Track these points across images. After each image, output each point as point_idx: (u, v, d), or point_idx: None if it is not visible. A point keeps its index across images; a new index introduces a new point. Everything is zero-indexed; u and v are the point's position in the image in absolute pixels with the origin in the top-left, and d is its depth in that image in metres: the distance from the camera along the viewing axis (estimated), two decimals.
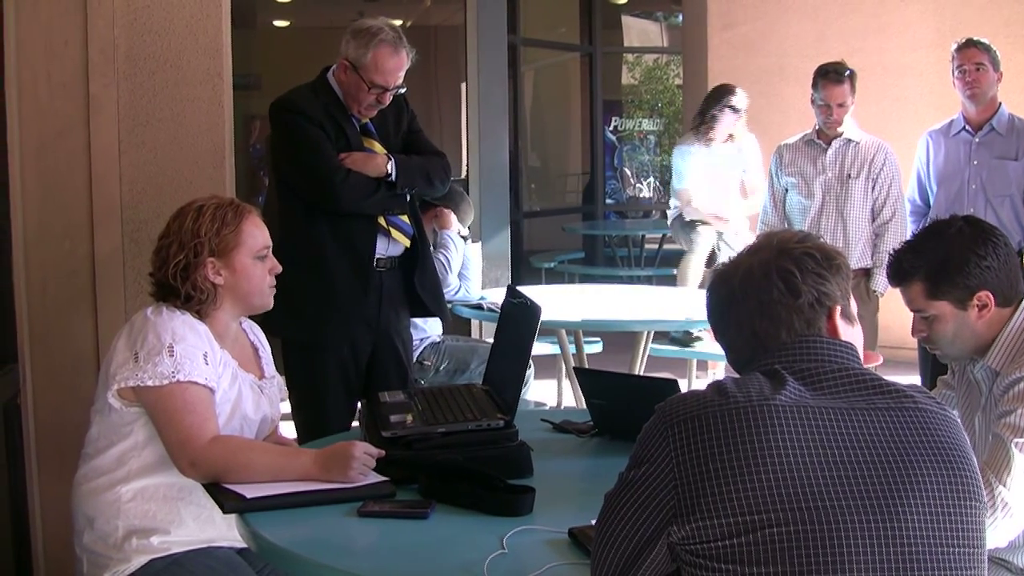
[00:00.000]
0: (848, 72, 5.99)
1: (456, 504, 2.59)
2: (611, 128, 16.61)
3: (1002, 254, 2.88)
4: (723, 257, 7.00)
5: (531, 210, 14.44)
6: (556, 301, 5.87)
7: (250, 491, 2.65)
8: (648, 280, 11.42)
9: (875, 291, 5.98)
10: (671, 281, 10.67)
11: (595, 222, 14.89)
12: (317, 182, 4.13)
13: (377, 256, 4.26)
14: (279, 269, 3.10)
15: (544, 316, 3.03)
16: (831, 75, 6.01)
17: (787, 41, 9.16)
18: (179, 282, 2.94)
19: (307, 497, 2.65)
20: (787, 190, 6.23)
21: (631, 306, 6.22)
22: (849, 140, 6.07)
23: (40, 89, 4.09)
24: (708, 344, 6.96)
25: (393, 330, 4.38)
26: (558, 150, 16.54)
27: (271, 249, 3.09)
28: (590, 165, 15.25)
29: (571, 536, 2.36)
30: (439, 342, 5.86)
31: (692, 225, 7.56)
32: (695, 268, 7.55)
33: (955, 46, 5.77)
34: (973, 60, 5.67)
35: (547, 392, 7.24)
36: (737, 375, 2.01)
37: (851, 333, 2.05)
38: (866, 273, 6.00)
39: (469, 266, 6.03)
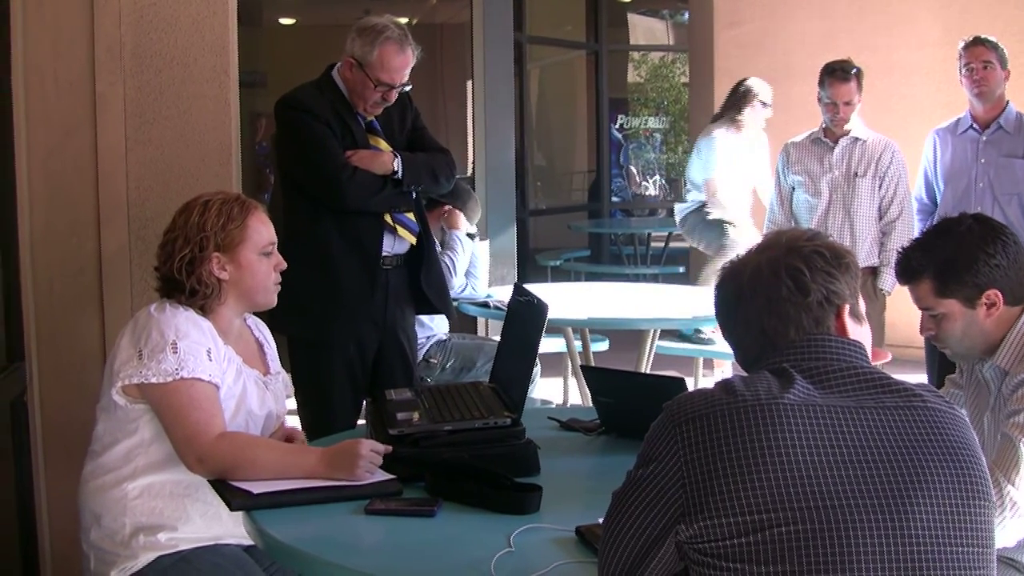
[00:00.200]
0: (855, 70, 5.98)
1: (463, 502, 2.58)
2: (617, 126, 16.61)
3: (1011, 252, 2.88)
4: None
5: (537, 208, 14.43)
6: (562, 299, 5.86)
7: (257, 488, 2.65)
8: (654, 278, 11.41)
9: (882, 290, 5.97)
10: (677, 279, 10.70)
11: (601, 220, 14.89)
12: (323, 180, 4.13)
13: (383, 254, 4.26)
14: (284, 266, 3.10)
15: (550, 314, 3.03)
16: (838, 73, 6.00)
17: (793, 39, 9.15)
18: (184, 276, 2.94)
19: (314, 495, 2.64)
20: (794, 188, 6.23)
21: (637, 304, 6.21)
22: (856, 138, 6.05)
23: (47, 87, 4.09)
24: (716, 342, 6.95)
25: (399, 328, 4.38)
26: (564, 148, 16.53)
27: (276, 246, 3.09)
28: (596, 163, 15.24)
29: (578, 534, 2.36)
30: (445, 340, 5.85)
31: (720, 226, 7.45)
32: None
33: (962, 44, 5.76)
34: (981, 58, 5.66)
35: (553, 390, 7.23)
36: (745, 373, 2.01)
37: (859, 332, 2.05)
38: (873, 272, 5.99)
39: (477, 264, 6.02)
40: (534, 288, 3.48)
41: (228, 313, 3.03)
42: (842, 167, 6.05)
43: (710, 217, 7.51)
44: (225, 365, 2.94)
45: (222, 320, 3.00)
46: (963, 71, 5.72)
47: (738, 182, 7.45)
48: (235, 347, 3.03)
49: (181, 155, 4.23)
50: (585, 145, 15.69)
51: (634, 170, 17.26)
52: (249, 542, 2.76)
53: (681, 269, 11.45)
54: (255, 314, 3.23)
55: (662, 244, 12.96)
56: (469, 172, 9.40)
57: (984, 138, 5.71)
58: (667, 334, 6.88)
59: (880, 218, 6.03)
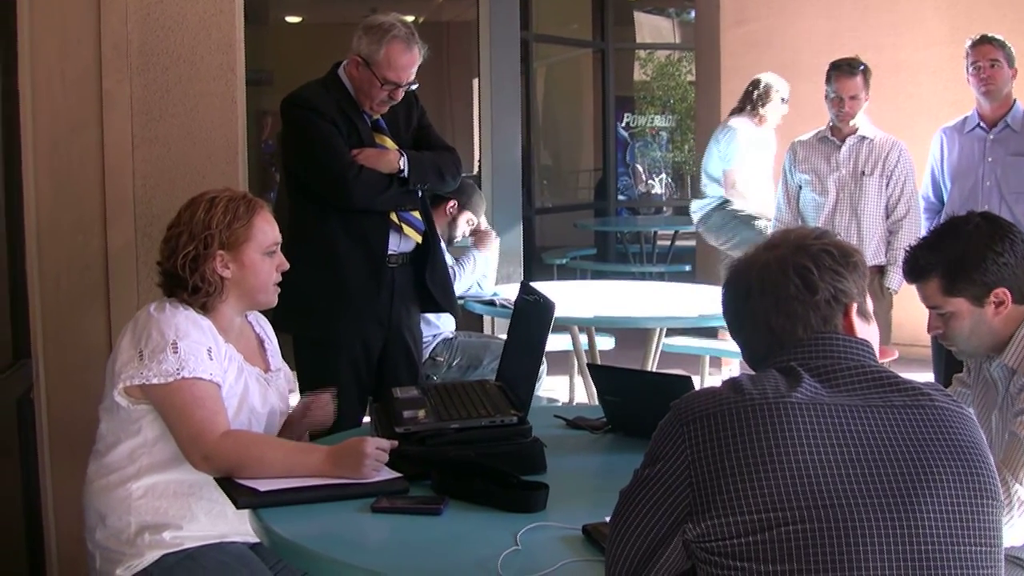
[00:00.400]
0: (862, 67, 5.98)
1: (469, 500, 2.58)
2: (623, 124, 16.60)
3: (1019, 251, 2.87)
4: None
5: (543, 206, 14.43)
6: (568, 297, 5.86)
7: (263, 486, 2.65)
8: (660, 276, 11.40)
9: (889, 288, 5.96)
10: (684, 277, 10.67)
11: (607, 218, 14.89)
12: (329, 178, 4.13)
13: (389, 252, 4.26)
14: (286, 266, 3.10)
15: (556, 312, 3.02)
16: (843, 68, 6.00)
17: (800, 38, 9.14)
18: (187, 273, 2.93)
19: (320, 493, 2.65)
20: (800, 187, 6.22)
21: (643, 302, 6.21)
22: (863, 137, 6.05)
23: (53, 85, 4.09)
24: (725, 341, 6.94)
25: (404, 326, 4.38)
26: (570, 146, 16.52)
27: (280, 246, 3.09)
28: (602, 161, 15.23)
29: (585, 533, 2.36)
30: (452, 338, 5.85)
31: (749, 221, 7.25)
32: None
33: (969, 42, 5.74)
34: (988, 56, 5.65)
35: (559, 388, 7.23)
36: (752, 372, 2.01)
37: (867, 330, 2.05)
38: (880, 270, 5.97)
39: (486, 262, 6.02)
40: (540, 286, 3.48)
41: (229, 311, 3.03)
42: (849, 166, 6.04)
43: (742, 213, 7.30)
44: (226, 364, 2.94)
45: (223, 318, 3.00)
46: (970, 70, 5.71)
47: (759, 175, 7.36)
48: (236, 345, 3.02)
49: (187, 153, 4.23)
50: (591, 143, 15.68)
51: (640, 168, 17.26)
52: (255, 540, 2.75)
53: (687, 267, 11.44)
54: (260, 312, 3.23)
55: (668, 242, 12.95)
56: (475, 170, 9.41)
57: (991, 136, 5.70)
58: (673, 332, 6.86)
59: (887, 217, 6.01)
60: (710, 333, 7.17)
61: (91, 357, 4.11)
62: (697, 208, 7.59)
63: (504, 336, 3.71)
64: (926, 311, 2.97)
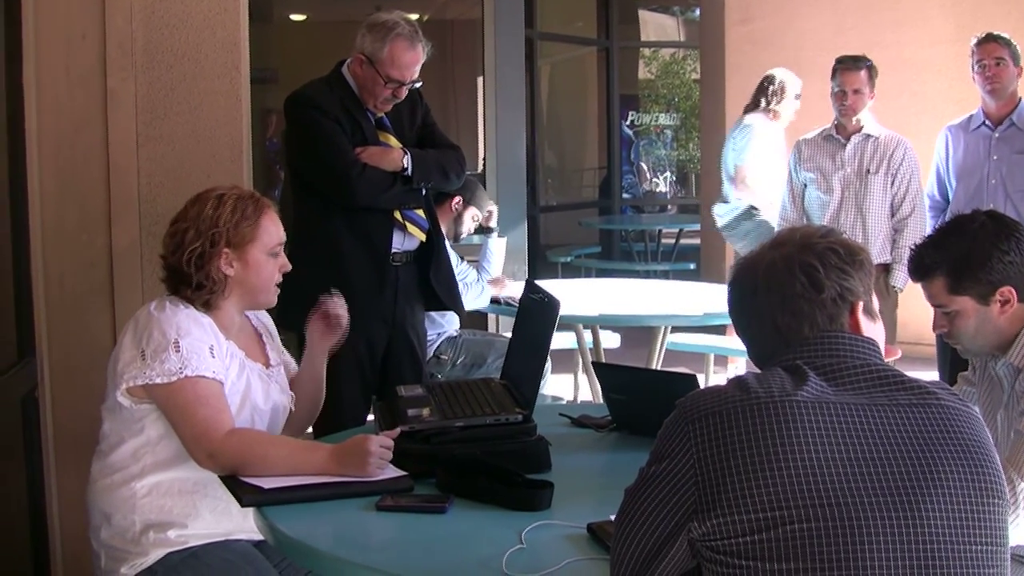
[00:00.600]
0: (867, 63, 5.98)
1: (474, 499, 2.58)
2: (628, 123, 16.61)
3: None
4: None
5: (548, 205, 14.45)
6: (573, 295, 5.85)
7: (267, 484, 2.65)
8: (665, 274, 11.41)
9: (894, 287, 5.96)
10: (688, 275, 10.68)
11: (612, 217, 14.91)
12: (333, 177, 4.14)
13: (393, 251, 4.26)
14: (288, 268, 3.10)
15: (561, 310, 3.02)
16: (847, 61, 6.01)
17: (805, 36, 9.13)
18: (193, 269, 2.93)
19: (325, 491, 2.65)
20: (806, 185, 6.21)
21: (648, 300, 6.20)
22: (868, 135, 6.04)
23: (58, 83, 4.10)
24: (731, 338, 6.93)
25: (408, 324, 4.38)
26: (575, 144, 16.54)
27: (283, 247, 3.09)
28: (607, 160, 15.25)
29: (590, 531, 2.36)
30: (456, 336, 5.85)
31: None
32: None
33: (975, 41, 5.74)
34: (993, 55, 5.65)
35: (564, 386, 7.23)
36: (758, 370, 2.00)
37: (873, 329, 2.04)
38: (885, 269, 5.97)
39: (491, 259, 6.02)
40: (545, 285, 3.48)
41: (230, 310, 3.02)
42: (854, 164, 6.03)
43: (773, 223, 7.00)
44: (228, 361, 2.94)
45: (224, 316, 3.00)
46: (975, 68, 5.71)
47: (772, 173, 7.26)
48: (236, 341, 3.02)
49: (192, 151, 4.23)
50: (596, 141, 15.70)
51: (645, 167, 17.27)
52: (259, 537, 2.75)
53: (692, 265, 11.45)
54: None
55: (672, 240, 12.96)
56: (480, 169, 9.41)
57: (996, 135, 5.69)
58: (677, 330, 6.86)
59: (892, 215, 6.01)
60: (715, 331, 7.13)
61: (96, 355, 4.10)
62: (723, 212, 7.43)
63: (509, 334, 3.70)
64: (931, 309, 2.97)
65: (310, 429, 3.60)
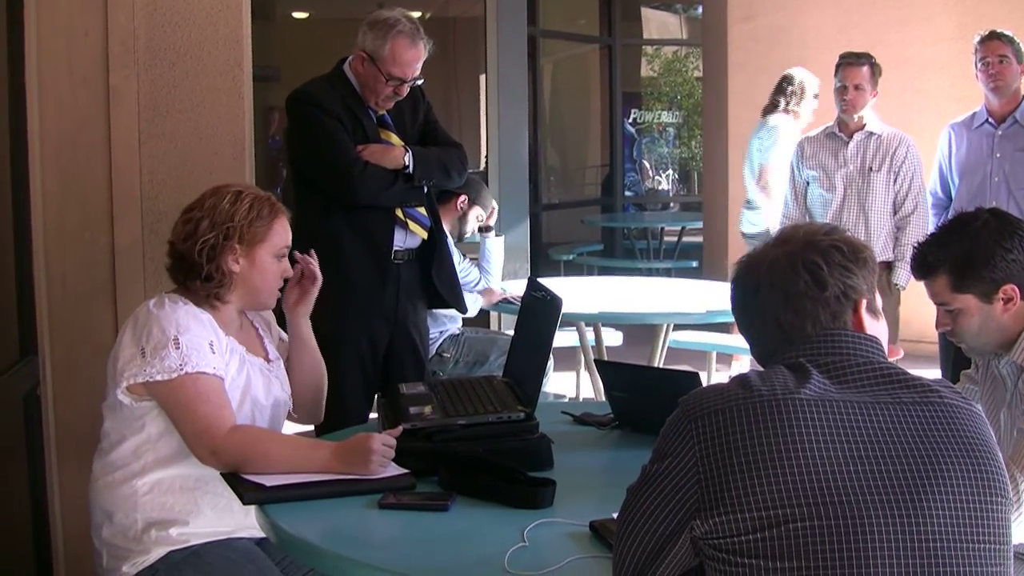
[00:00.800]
0: (870, 60, 5.97)
1: (476, 497, 2.58)
2: (630, 120, 16.61)
3: None
4: None
5: (550, 202, 14.44)
6: (575, 293, 5.85)
7: (269, 482, 2.65)
8: (667, 272, 11.41)
9: (896, 284, 5.95)
10: (690, 273, 10.68)
11: (614, 214, 14.91)
12: (335, 175, 4.14)
13: (395, 248, 4.26)
14: (291, 273, 3.11)
15: (563, 308, 3.02)
16: (850, 57, 6.01)
17: (808, 34, 9.12)
18: (203, 259, 2.93)
19: (327, 489, 2.64)
20: (808, 183, 6.20)
21: (650, 298, 6.20)
22: (871, 133, 6.03)
23: (60, 80, 4.09)
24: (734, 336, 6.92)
25: (410, 322, 4.38)
26: (577, 142, 16.54)
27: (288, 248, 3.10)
28: (609, 157, 15.25)
29: (592, 529, 2.35)
30: (458, 334, 5.85)
31: None
32: None
33: (978, 38, 5.74)
34: (996, 52, 5.64)
35: (566, 384, 7.23)
36: (761, 368, 2.00)
37: (876, 327, 2.04)
38: (887, 266, 5.96)
39: (490, 259, 6.02)
40: (547, 282, 3.48)
41: (230, 308, 3.02)
42: (856, 162, 6.02)
43: None
44: (227, 357, 2.93)
45: (224, 314, 2.99)
46: (978, 65, 5.70)
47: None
48: (236, 337, 3.02)
49: (195, 149, 4.23)
50: (598, 139, 15.69)
51: (647, 164, 17.27)
52: (261, 535, 2.75)
53: (694, 263, 11.45)
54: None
55: (675, 238, 12.96)
56: (482, 166, 9.41)
57: (1000, 132, 5.68)
58: (679, 327, 6.86)
59: (894, 213, 6.00)
60: (717, 329, 7.13)
61: (98, 353, 4.09)
62: (755, 222, 7.36)
63: (511, 332, 3.70)
64: (933, 307, 2.96)
65: (312, 427, 3.59)
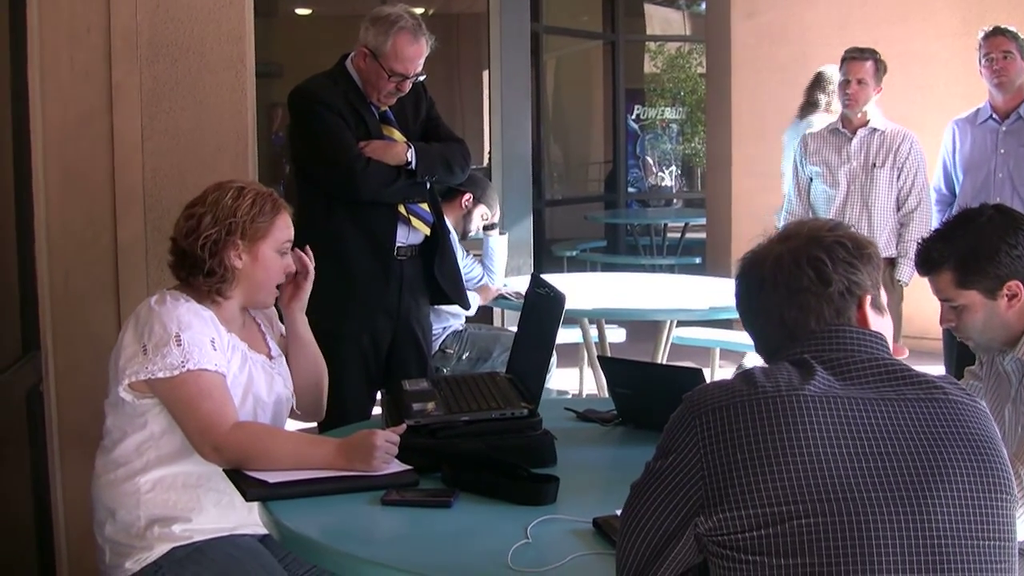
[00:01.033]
0: (875, 56, 5.96)
1: (479, 493, 2.58)
2: (633, 116, 16.58)
3: None
4: None
5: (553, 199, 14.43)
6: (579, 289, 5.85)
7: (272, 478, 2.65)
8: (670, 268, 11.41)
9: (900, 281, 5.95)
10: (694, 269, 10.68)
11: (617, 211, 14.89)
12: (337, 171, 4.13)
13: (397, 244, 4.26)
14: (292, 269, 3.10)
15: (567, 304, 3.02)
16: (854, 52, 6.01)
17: (811, 30, 9.12)
18: (206, 254, 2.93)
19: (330, 485, 2.64)
20: (812, 179, 6.20)
21: (654, 295, 6.21)
22: (874, 129, 6.03)
23: (63, 76, 4.09)
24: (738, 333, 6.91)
25: (413, 318, 4.38)
26: (580, 138, 16.52)
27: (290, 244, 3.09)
28: (612, 154, 15.23)
29: (595, 526, 2.35)
30: (462, 331, 5.85)
31: None
32: None
33: (982, 34, 5.73)
34: (1000, 48, 5.63)
35: (570, 381, 7.23)
36: (765, 364, 2.00)
37: (881, 323, 2.03)
38: (891, 263, 5.96)
39: (493, 256, 6.01)
40: (550, 279, 3.47)
41: (232, 304, 3.02)
42: (860, 158, 6.02)
43: None
44: (229, 353, 2.93)
45: (225, 311, 2.99)
46: (982, 61, 5.69)
47: None
48: (239, 334, 3.02)
49: (197, 145, 4.23)
50: (601, 135, 15.67)
51: (650, 161, 17.25)
52: (264, 532, 2.75)
53: (698, 260, 11.44)
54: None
55: (678, 235, 12.95)
56: (485, 162, 9.42)
57: (1003, 128, 5.68)
58: (683, 324, 6.86)
59: (898, 209, 6.00)
60: (720, 325, 7.12)
61: (100, 350, 4.08)
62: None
63: (514, 328, 3.70)
64: (937, 304, 2.96)
65: (315, 424, 3.59)
